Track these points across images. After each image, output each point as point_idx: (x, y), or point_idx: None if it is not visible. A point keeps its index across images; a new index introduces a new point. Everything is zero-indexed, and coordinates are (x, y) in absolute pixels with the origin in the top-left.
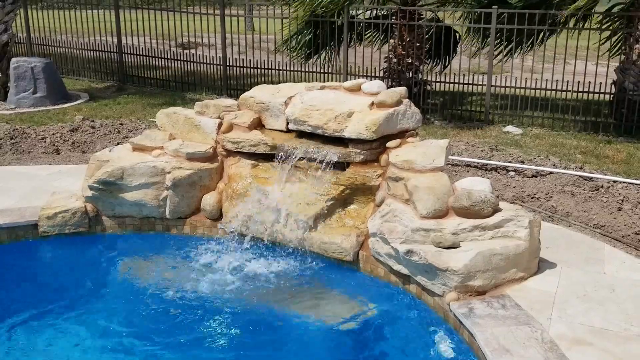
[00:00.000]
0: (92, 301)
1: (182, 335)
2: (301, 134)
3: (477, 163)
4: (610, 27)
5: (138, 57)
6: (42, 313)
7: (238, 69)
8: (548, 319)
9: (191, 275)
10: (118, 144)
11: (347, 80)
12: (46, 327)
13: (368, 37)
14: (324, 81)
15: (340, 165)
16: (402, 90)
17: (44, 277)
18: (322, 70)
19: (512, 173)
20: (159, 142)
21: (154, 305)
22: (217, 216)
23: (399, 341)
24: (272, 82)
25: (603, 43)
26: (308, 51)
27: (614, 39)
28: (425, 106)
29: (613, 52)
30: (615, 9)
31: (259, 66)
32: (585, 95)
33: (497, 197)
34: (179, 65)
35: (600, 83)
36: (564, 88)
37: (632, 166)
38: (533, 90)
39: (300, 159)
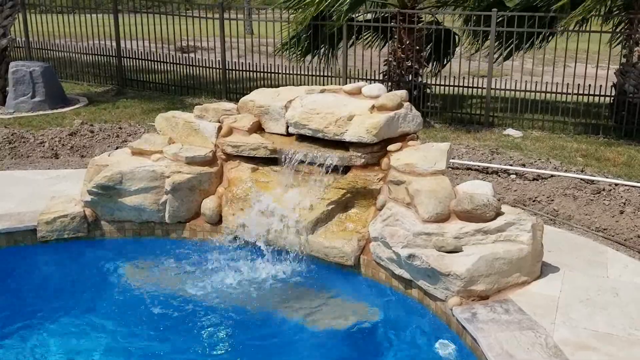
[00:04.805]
0: (90, 306)
1: (182, 340)
2: (301, 138)
3: (478, 166)
4: (610, 30)
5: (137, 61)
6: (40, 318)
7: (237, 72)
8: (552, 323)
9: (191, 280)
10: (117, 148)
11: (346, 83)
12: (45, 332)
13: (367, 40)
14: (323, 84)
15: (341, 169)
16: (402, 93)
17: (42, 283)
18: (321, 74)
19: (513, 176)
20: (158, 146)
21: (154, 310)
22: (217, 220)
23: (401, 346)
24: (271, 86)
25: (612, 46)
26: (306, 55)
27: (614, 40)
28: (425, 109)
29: (613, 49)
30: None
31: (258, 70)
32: (585, 97)
33: (499, 200)
34: (178, 69)
35: (601, 85)
36: (564, 91)
37: (633, 169)
38: (533, 93)
39: (301, 162)
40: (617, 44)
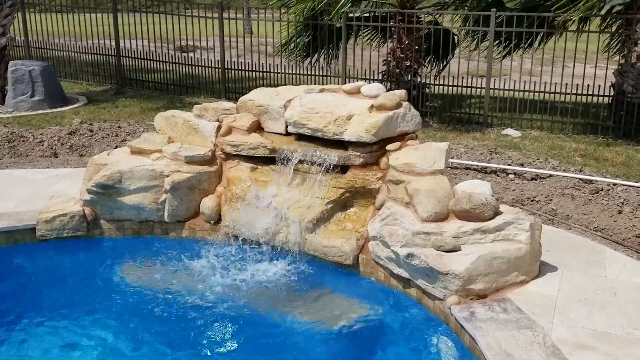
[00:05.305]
0: (89, 305)
1: (181, 339)
2: (300, 137)
3: (477, 166)
4: (609, 30)
5: (136, 60)
6: (38, 318)
7: (236, 72)
8: (550, 322)
9: (190, 279)
10: (116, 147)
11: (346, 83)
12: (42, 332)
13: (367, 40)
14: (323, 84)
15: (340, 168)
16: (401, 92)
17: (41, 282)
18: (321, 73)
19: (511, 176)
20: (157, 145)
21: (153, 310)
22: (216, 219)
23: (400, 346)
24: (270, 85)
25: (605, 50)
26: (306, 54)
27: (613, 39)
28: (424, 109)
29: (612, 52)
30: (614, 11)
31: (257, 69)
32: (583, 97)
33: (497, 200)
34: (178, 69)
35: (599, 85)
36: (563, 91)
37: (632, 169)
38: (532, 93)
39: (300, 162)
40: (617, 50)
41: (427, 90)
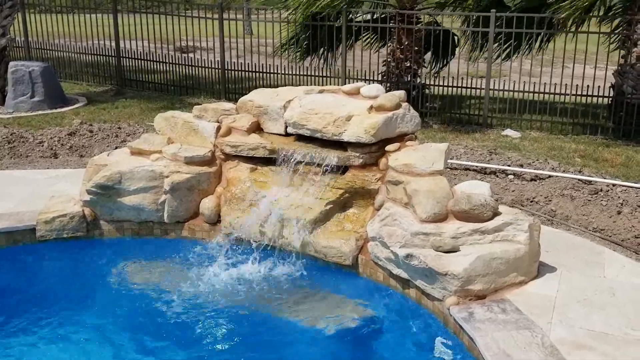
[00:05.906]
0: (89, 307)
1: (180, 340)
2: (300, 138)
3: (476, 167)
4: (609, 29)
5: (136, 61)
6: (38, 317)
7: (236, 72)
8: (548, 323)
9: (189, 279)
10: (116, 148)
11: (345, 83)
12: (42, 331)
13: (367, 41)
14: (322, 85)
15: (340, 169)
16: (401, 93)
17: (41, 282)
18: (320, 74)
19: (511, 176)
20: (157, 146)
21: (152, 311)
22: (216, 220)
23: (399, 346)
24: (270, 86)
25: (605, 41)
26: (305, 54)
27: (612, 39)
28: (423, 110)
29: (612, 50)
30: (612, 12)
31: (257, 70)
32: (583, 98)
33: (497, 200)
34: (178, 69)
35: (599, 86)
36: (562, 91)
37: (631, 169)
38: (531, 94)
39: (299, 162)
40: (616, 48)
41: (427, 91)
